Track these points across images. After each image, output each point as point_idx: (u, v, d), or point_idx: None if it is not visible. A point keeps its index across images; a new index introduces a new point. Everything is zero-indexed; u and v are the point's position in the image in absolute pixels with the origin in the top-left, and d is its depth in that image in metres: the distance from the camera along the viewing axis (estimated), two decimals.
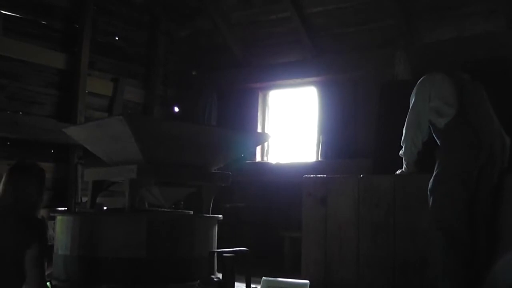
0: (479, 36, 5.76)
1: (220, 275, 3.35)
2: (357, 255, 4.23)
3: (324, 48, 6.90)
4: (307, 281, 3.75)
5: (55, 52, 6.22)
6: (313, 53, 6.91)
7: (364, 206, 4.28)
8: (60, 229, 3.72)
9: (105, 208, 4.19)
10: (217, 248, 3.75)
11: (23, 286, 2.93)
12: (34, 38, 6.00)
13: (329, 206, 4.40)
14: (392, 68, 5.81)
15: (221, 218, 3.97)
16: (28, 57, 5.93)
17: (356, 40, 6.63)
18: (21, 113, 5.85)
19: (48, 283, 3.45)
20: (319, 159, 6.73)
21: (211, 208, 4.01)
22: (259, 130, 7.39)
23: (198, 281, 3.38)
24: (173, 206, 4.30)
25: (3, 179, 3.11)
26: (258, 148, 7.36)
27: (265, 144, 7.40)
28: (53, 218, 4.38)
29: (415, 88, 3.90)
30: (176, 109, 7.78)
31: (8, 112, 5.71)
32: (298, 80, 7.14)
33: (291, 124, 7.48)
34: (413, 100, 3.87)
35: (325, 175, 4.66)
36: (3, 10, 5.71)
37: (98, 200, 4.07)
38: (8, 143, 5.74)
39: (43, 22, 6.15)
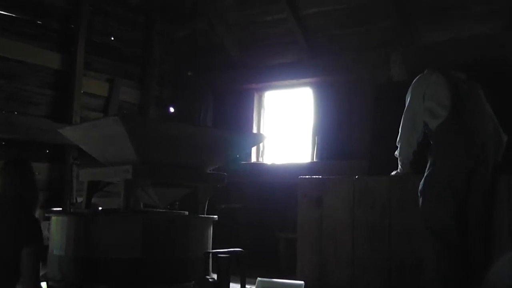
0: (477, 37, 5.76)
1: (215, 276, 3.35)
2: (352, 256, 4.23)
3: (320, 49, 6.91)
4: (302, 282, 3.75)
5: (51, 52, 6.21)
6: (309, 54, 6.92)
7: (359, 207, 4.28)
8: (55, 230, 3.72)
9: (100, 208, 4.19)
10: (212, 249, 3.75)
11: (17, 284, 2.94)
12: (30, 38, 5.98)
13: (324, 207, 4.41)
14: (388, 69, 5.82)
15: (216, 219, 3.97)
16: (24, 57, 5.91)
17: (352, 41, 6.64)
18: (16, 113, 5.83)
19: (44, 284, 3.45)
20: (315, 160, 6.74)
21: (206, 208, 4.01)
22: (255, 131, 7.39)
23: (193, 281, 3.38)
24: (169, 206, 4.30)
25: None
26: (254, 149, 7.37)
27: (261, 145, 7.40)
28: (48, 219, 4.38)
29: (410, 87, 3.89)
30: (172, 110, 7.78)
31: (4, 112, 5.69)
32: (294, 81, 7.15)
33: (286, 125, 7.49)
34: (408, 99, 3.86)
35: (320, 176, 4.66)
36: (0, 10, 5.70)
37: (93, 200, 4.07)
38: (4, 143, 5.72)
39: (39, 22, 6.13)
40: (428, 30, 6.12)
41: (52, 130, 5.18)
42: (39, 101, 6.08)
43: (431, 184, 3.63)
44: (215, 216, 3.96)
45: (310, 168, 6.24)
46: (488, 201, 3.73)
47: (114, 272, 3.40)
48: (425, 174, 3.69)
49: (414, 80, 3.90)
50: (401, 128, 3.88)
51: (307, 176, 4.68)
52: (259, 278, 3.71)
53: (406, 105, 3.87)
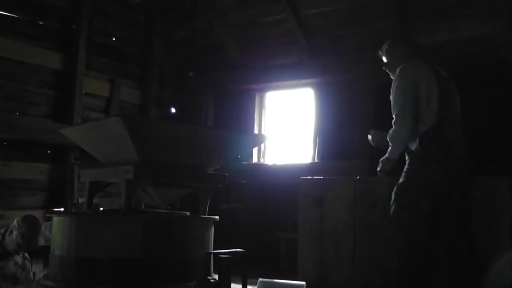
0: (476, 37, 5.77)
1: (216, 276, 3.36)
2: (353, 256, 4.24)
3: (320, 50, 6.91)
4: (303, 283, 3.76)
5: (51, 52, 6.21)
6: (310, 54, 6.92)
7: (360, 207, 4.29)
8: (57, 230, 3.72)
9: (101, 208, 4.20)
10: (213, 249, 3.75)
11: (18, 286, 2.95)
12: (30, 38, 5.98)
13: (325, 207, 4.41)
14: None
15: (218, 219, 3.97)
16: (24, 58, 5.91)
17: (353, 41, 6.64)
18: (17, 113, 5.83)
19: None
20: (316, 160, 6.75)
21: (207, 209, 4.01)
22: (256, 131, 7.39)
23: (194, 282, 3.38)
24: (170, 207, 4.30)
25: None
26: (255, 150, 7.37)
27: (262, 145, 7.40)
28: (50, 219, 4.38)
29: (403, 74, 3.74)
30: (173, 110, 7.78)
31: (5, 112, 5.69)
32: (295, 82, 7.15)
33: (287, 126, 7.50)
34: (401, 86, 3.71)
35: (321, 177, 4.66)
36: (0, 10, 5.70)
37: (94, 201, 4.07)
38: (5, 143, 5.72)
39: (40, 23, 6.13)
40: (428, 30, 6.12)
41: (53, 130, 5.19)
42: (40, 101, 6.08)
43: (409, 190, 3.62)
44: (216, 217, 3.96)
45: (311, 169, 6.24)
46: (466, 204, 3.75)
47: (115, 273, 3.40)
48: (403, 177, 3.68)
49: (406, 69, 3.76)
50: (398, 109, 3.69)
51: (308, 177, 4.68)
52: (260, 279, 3.72)
53: (400, 91, 3.71)
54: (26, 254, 4.57)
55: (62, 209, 5.81)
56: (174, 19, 7.77)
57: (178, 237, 3.59)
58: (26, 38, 5.94)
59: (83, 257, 3.48)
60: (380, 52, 4.21)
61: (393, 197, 3.69)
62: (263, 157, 7.49)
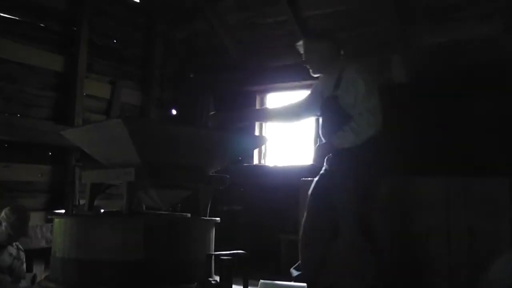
0: (476, 40, 5.77)
1: (217, 278, 3.36)
2: None
3: None
4: (304, 284, 3.75)
5: (52, 54, 6.22)
6: None
7: None
8: (58, 232, 3.73)
9: (102, 210, 4.20)
10: (214, 251, 3.75)
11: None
12: (31, 40, 5.99)
13: None
14: (389, 72, 5.83)
15: (219, 221, 3.97)
16: (25, 59, 5.92)
17: (353, 43, 6.64)
18: (18, 115, 5.84)
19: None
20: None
21: (208, 210, 4.01)
22: (257, 133, 7.39)
23: (196, 283, 3.38)
24: (171, 208, 4.30)
25: None
26: (256, 151, 7.37)
27: (263, 147, 7.40)
28: (51, 221, 4.38)
29: (364, 79, 3.68)
30: (173, 111, 7.78)
31: (6, 114, 5.70)
32: (296, 83, 7.14)
33: (288, 127, 7.49)
34: (365, 87, 3.65)
35: None
36: (1, 13, 5.71)
37: (95, 202, 4.07)
38: (6, 145, 5.73)
39: (41, 24, 6.15)
40: (428, 32, 6.12)
41: (54, 132, 5.20)
42: (41, 103, 6.08)
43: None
44: (217, 218, 3.96)
45: (312, 171, 6.23)
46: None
47: (116, 274, 3.41)
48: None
49: (362, 72, 3.75)
50: (372, 108, 3.61)
51: (309, 178, 4.68)
52: (261, 281, 3.71)
53: (365, 90, 3.64)
54: (20, 245, 4.60)
55: (63, 211, 5.81)
56: (174, 20, 7.77)
57: (179, 239, 3.59)
58: (27, 40, 5.94)
59: (84, 259, 3.48)
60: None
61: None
62: (264, 158, 7.49)
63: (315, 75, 4.02)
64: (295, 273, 3.92)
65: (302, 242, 3.92)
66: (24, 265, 4.63)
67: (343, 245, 3.69)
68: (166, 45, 7.74)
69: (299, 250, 3.94)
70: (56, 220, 3.81)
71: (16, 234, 4.43)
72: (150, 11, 7.51)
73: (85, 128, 4.35)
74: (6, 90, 5.74)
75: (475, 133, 5.03)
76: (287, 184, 6.20)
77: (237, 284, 3.44)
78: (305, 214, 3.89)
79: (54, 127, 5.82)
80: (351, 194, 3.58)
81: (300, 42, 4.00)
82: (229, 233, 6.15)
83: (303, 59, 3.99)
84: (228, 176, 4.06)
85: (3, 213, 4.41)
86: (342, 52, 3.98)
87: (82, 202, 5.56)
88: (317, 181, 3.92)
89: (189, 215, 4.07)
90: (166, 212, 4.13)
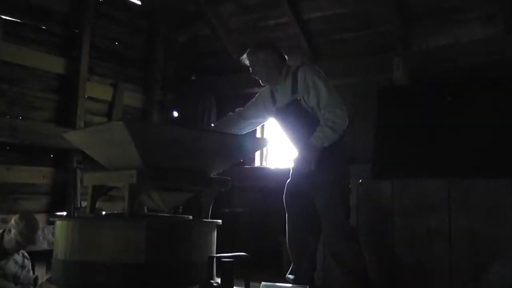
0: (477, 41, 5.78)
1: (219, 280, 3.36)
2: None
3: (322, 54, 6.92)
4: (306, 286, 3.75)
5: (54, 57, 6.23)
6: (312, 58, 6.92)
7: (362, 211, 4.29)
8: (59, 234, 3.72)
9: (104, 213, 4.20)
10: (216, 253, 3.75)
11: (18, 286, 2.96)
12: (33, 43, 6.01)
13: None
14: (390, 73, 5.83)
15: (220, 223, 3.97)
16: (27, 62, 5.93)
17: (355, 45, 6.65)
18: (20, 117, 5.85)
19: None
20: None
21: (210, 213, 4.01)
22: (258, 135, 7.39)
23: (197, 286, 3.38)
24: (172, 211, 4.30)
25: None
26: (257, 153, 7.37)
27: (264, 149, 7.40)
28: (53, 223, 4.38)
29: (319, 77, 3.87)
30: (175, 114, 7.79)
31: (8, 117, 5.71)
32: None
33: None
34: (323, 84, 3.82)
35: None
36: (3, 15, 5.72)
37: (97, 205, 4.07)
38: (8, 147, 5.74)
39: (43, 27, 6.16)
40: (429, 34, 6.13)
41: (56, 134, 5.19)
42: (43, 106, 6.10)
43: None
44: (219, 221, 3.96)
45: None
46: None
47: (118, 277, 3.40)
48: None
49: (318, 71, 3.94)
50: (340, 104, 3.82)
51: None
52: (263, 283, 3.71)
53: (326, 85, 3.81)
54: (26, 253, 4.59)
55: (65, 213, 5.82)
56: (176, 23, 7.79)
57: (181, 241, 3.59)
58: (29, 43, 5.96)
59: (86, 261, 3.48)
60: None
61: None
62: (266, 161, 7.49)
63: (265, 85, 4.18)
64: (291, 277, 3.95)
65: (289, 244, 3.97)
66: (31, 273, 4.62)
67: (329, 244, 3.81)
68: (167, 48, 7.75)
69: (289, 252, 4.00)
70: (58, 222, 3.80)
71: (24, 241, 4.40)
72: (152, 14, 7.52)
73: (86, 130, 4.35)
74: (8, 92, 5.76)
75: (476, 133, 5.03)
76: None
77: (238, 286, 3.44)
78: (286, 216, 3.95)
79: (56, 129, 5.83)
80: (332, 191, 3.68)
81: (244, 56, 4.14)
82: (231, 235, 6.15)
83: (251, 72, 4.15)
84: (229, 178, 4.06)
85: (12, 220, 4.39)
86: (286, 58, 4.13)
87: (83, 204, 5.57)
88: (290, 182, 4.06)
89: (190, 217, 4.07)
90: (168, 215, 4.13)
